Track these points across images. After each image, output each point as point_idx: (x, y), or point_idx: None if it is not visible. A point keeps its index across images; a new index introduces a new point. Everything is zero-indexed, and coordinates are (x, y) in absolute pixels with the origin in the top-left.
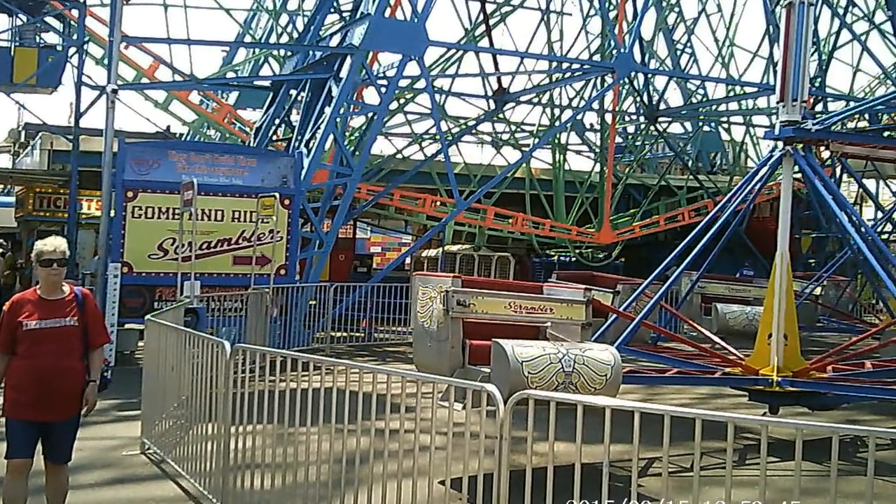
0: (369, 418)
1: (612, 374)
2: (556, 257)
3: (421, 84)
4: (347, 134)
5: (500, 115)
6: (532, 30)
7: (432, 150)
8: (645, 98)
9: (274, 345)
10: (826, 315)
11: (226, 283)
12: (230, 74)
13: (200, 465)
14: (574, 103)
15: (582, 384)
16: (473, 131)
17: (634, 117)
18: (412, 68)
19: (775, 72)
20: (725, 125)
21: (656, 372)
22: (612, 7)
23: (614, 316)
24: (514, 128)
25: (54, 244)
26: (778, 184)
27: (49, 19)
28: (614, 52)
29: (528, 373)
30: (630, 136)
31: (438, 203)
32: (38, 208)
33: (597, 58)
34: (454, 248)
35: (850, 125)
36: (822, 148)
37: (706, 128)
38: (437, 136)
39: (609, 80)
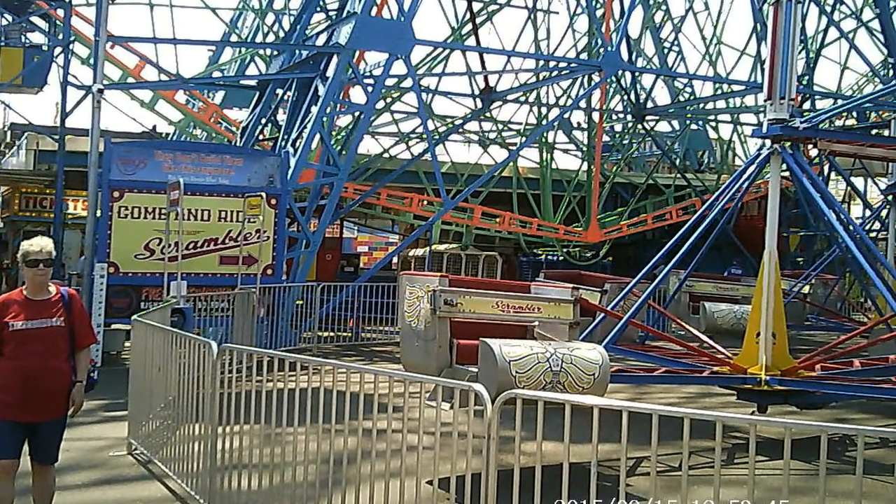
0: (357, 418)
1: (600, 374)
2: (543, 256)
3: (408, 83)
4: (334, 133)
5: (487, 114)
6: (519, 28)
7: (419, 149)
8: (632, 96)
9: (261, 345)
10: (814, 313)
11: (212, 283)
12: (216, 74)
13: (187, 465)
14: (561, 102)
15: (570, 383)
16: (460, 130)
17: (622, 116)
18: (399, 67)
19: (763, 70)
20: (713, 123)
21: (644, 371)
22: (598, 5)
23: (602, 315)
24: (501, 126)
25: (40, 244)
26: (766, 182)
27: (34, 19)
28: (601, 50)
29: (516, 372)
30: (617, 135)
31: (425, 202)
32: (23, 208)
33: (584, 56)
34: (441, 247)
35: (838, 123)
36: (809, 146)
37: (694, 126)
38: (424, 135)
39: (596, 78)
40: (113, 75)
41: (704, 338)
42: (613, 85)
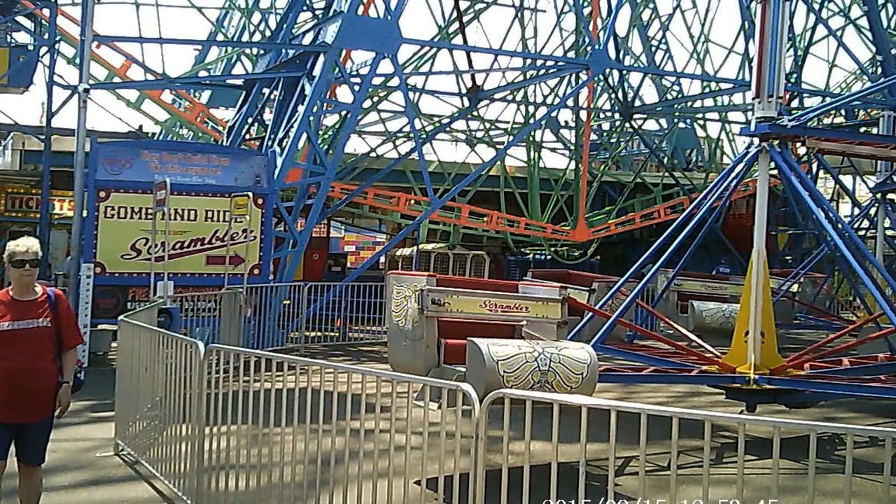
0: (344, 418)
1: (588, 373)
2: (531, 255)
3: (394, 82)
4: (321, 132)
5: (475, 113)
6: (506, 27)
7: (406, 149)
8: (620, 95)
9: (248, 345)
10: (803, 312)
11: (199, 283)
12: (203, 73)
13: (175, 466)
14: (549, 100)
15: (558, 383)
16: (448, 129)
17: (609, 114)
18: (386, 66)
19: (751, 68)
20: (701, 122)
21: (633, 370)
22: (586, 3)
23: (590, 314)
24: (488, 125)
25: (26, 245)
26: (754, 180)
27: (20, 18)
28: (589, 48)
29: (504, 372)
30: (605, 133)
31: (413, 201)
32: (9, 209)
33: (571, 54)
34: (429, 246)
35: (827, 121)
36: (798, 144)
37: (681, 124)
38: (411, 134)
39: (584, 76)
40: (99, 75)
41: (693, 337)
42: (601, 83)
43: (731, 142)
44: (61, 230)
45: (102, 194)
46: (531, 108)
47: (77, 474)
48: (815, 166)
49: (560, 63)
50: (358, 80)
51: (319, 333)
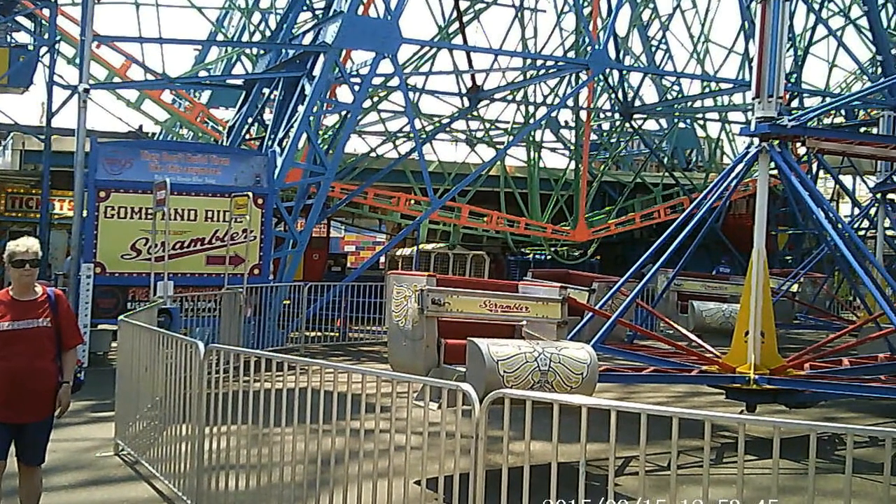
0: (344, 418)
1: (588, 373)
2: (531, 255)
3: (394, 82)
4: (321, 132)
5: (475, 113)
6: (506, 27)
7: (406, 149)
8: (620, 95)
9: (248, 345)
10: (803, 312)
11: (199, 283)
12: (202, 73)
13: (175, 466)
14: (549, 100)
15: (558, 383)
16: (448, 129)
17: (609, 114)
18: (386, 66)
19: (751, 68)
20: (701, 122)
21: (633, 370)
22: (586, 3)
23: (590, 314)
24: (488, 125)
25: (26, 245)
26: (754, 180)
27: (20, 18)
28: (589, 48)
29: (504, 372)
30: (605, 133)
31: (413, 201)
32: (9, 209)
33: (571, 54)
34: (429, 246)
35: (827, 121)
36: (798, 144)
37: (681, 124)
38: (411, 134)
39: (584, 76)
40: (99, 75)
41: (693, 337)
42: (601, 83)
43: (731, 142)
44: (61, 230)
45: (102, 194)
46: (531, 108)
47: (77, 474)
48: (815, 166)
49: (560, 63)
50: (358, 80)
51: (319, 333)
